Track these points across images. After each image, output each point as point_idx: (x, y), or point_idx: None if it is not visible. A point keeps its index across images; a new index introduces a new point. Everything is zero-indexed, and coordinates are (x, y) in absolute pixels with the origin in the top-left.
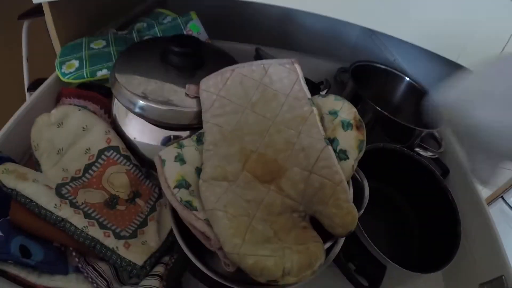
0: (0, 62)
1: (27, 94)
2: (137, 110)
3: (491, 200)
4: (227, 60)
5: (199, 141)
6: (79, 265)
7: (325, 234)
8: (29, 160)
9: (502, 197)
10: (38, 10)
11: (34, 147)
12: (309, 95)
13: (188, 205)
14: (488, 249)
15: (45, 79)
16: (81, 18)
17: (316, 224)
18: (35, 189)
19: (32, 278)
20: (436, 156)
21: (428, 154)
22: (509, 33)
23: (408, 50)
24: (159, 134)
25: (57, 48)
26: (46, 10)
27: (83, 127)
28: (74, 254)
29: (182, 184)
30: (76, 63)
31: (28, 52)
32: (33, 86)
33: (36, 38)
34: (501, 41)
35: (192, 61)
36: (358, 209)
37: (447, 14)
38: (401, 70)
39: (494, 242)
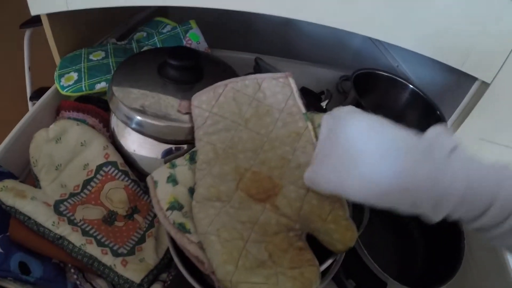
0: (3, 71)
1: (29, 103)
2: (134, 125)
3: None
4: (226, 72)
5: (192, 159)
6: (77, 282)
7: (323, 250)
8: (29, 174)
9: None
10: (39, 20)
11: (33, 163)
12: (303, 110)
13: (181, 228)
14: (493, 264)
15: (47, 88)
16: (80, 29)
17: (314, 241)
18: (33, 207)
19: None
20: None
21: None
22: None
23: (412, 55)
24: (159, 147)
25: (57, 59)
26: (45, 21)
27: (81, 142)
28: (72, 271)
29: (175, 206)
30: (75, 75)
31: (30, 61)
32: (35, 95)
33: (39, 47)
34: (506, 47)
35: (190, 74)
36: (358, 227)
37: (451, 21)
38: (405, 77)
39: (499, 257)
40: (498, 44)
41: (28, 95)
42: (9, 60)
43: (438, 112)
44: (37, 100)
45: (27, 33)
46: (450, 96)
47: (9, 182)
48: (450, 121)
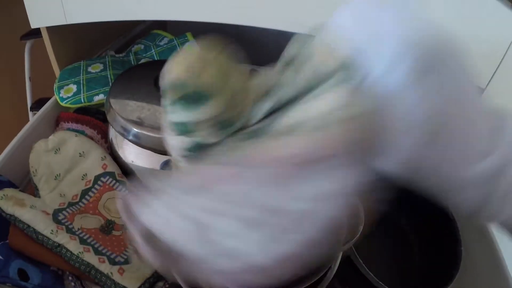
0: (4, 82)
1: (30, 113)
2: (131, 137)
3: None
4: None
5: None
6: None
7: None
8: (29, 183)
9: None
10: (39, 32)
11: (32, 173)
12: None
13: None
14: (491, 270)
15: (47, 99)
16: (79, 41)
17: None
18: (32, 215)
19: None
20: None
21: None
22: (508, 42)
23: None
24: (157, 158)
25: (56, 71)
26: (45, 34)
27: (80, 153)
28: (70, 278)
29: None
30: (74, 87)
31: (30, 72)
32: (36, 106)
33: (38, 58)
34: (499, 53)
35: None
36: (353, 236)
37: (443, 26)
38: None
39: (497, 262)
40: (491, 49)
41: (29, 105)
42: (10, 71)
43: None
44: (38, 110)
45: (28, 45)
46: None
47: (9, 191)
48: None
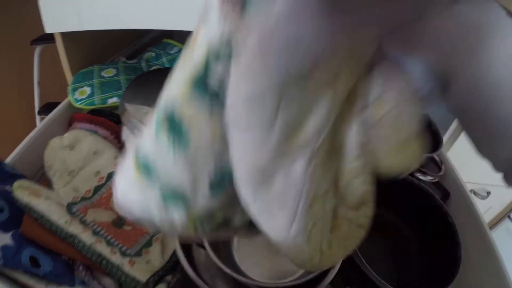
0: (12, 85)
1: (37, 117)
2: None
3: (498, 220)
4: None
5: None
6: (85, 279)
7: None
8: (40, 178)
9: (509, 216)
10: (50, 37)
11: (47, 168)
12: None
13: None
14: (490, 273)
15: (55, 103)
16: (91, 47)
17: None
18: (47, 206)
19: (40, 286)
20: (436, 180)
21: (428, 178)
22: None
23: None
24: None
25: (68, 75)
26: (58, 39)
27: (94, 151)
28: (81, 268)
29: None
30: (88, 90)
31: (39, 77)
32: (44, 110)
33: (46, 63)
34: None
35: None
36: None
37: None
38: None
39: (496, 265)
40: None
41: (36, 109)
42: (17, 75)
43: (433, 127)
44: (46, 114)
45: (37, 50)
46: (444, 112)
47: (25, 182)
48: (445, 137)
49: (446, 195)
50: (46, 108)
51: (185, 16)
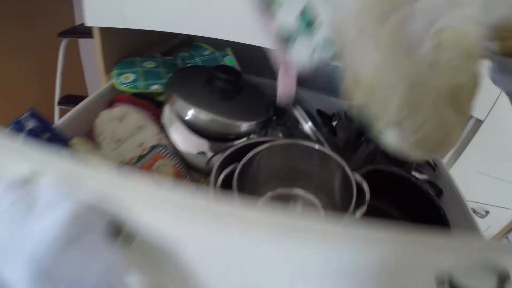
0: (33, 76)
1: (56, 107)
2: (188, 116)
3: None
4: (258, 91)
5: None
6: None
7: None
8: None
9: (507, 237)
10: (78, 31)
11: (98, 133)
12: None
13: None
14: None
15: (75, 96)
16: (127, 43)
17: None
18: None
19: None
20: (432, 180)
21: (423, 177)
22: None
23: None
24: (198, 145)
25: (101, 69)
26: (97, 34)
27: (139, 126)
28: None
29: None
30: (132, 76)
31: (63, 68)
32: (64, 101)
33: (67, 57)
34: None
35: (233, 87)
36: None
37: None
38: None
39: None
40: (490, 83)
41: (56, 100)
42: (40, 66)
43: None
44: (65, 105)
45: (64, 42)
46: None
47: (82, 139)
48: (448, 155)
49: (439, 193)
50: (67, 100)
51: (219, 25)
